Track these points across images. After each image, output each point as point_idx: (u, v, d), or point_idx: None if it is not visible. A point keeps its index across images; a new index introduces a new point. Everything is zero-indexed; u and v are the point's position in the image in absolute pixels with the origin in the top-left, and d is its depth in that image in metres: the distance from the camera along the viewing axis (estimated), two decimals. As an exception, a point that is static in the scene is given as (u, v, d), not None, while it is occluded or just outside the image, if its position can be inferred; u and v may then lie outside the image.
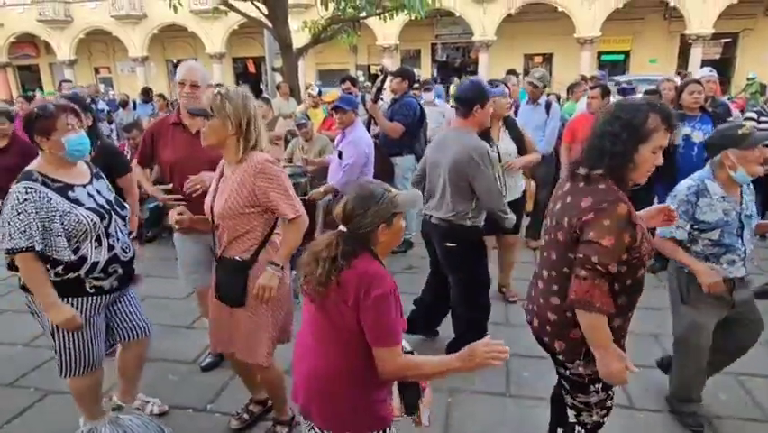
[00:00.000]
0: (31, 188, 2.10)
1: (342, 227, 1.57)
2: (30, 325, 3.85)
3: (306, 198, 3.91)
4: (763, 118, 4.78)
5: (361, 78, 18.35)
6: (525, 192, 3.80)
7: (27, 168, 2.23)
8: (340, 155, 4.10)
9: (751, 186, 2.50)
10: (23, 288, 2.25)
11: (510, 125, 3.44)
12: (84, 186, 2.28)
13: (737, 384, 2.95)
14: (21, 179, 2.14)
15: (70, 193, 2.19)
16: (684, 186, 2.46)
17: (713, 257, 2.43)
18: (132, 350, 2.62)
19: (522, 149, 3.42)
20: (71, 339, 2.26)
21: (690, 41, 21.05)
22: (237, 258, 2.21)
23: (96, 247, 2.23)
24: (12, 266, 2.26)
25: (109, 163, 3.04)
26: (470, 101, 2.92)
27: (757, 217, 2.51)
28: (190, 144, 2.81)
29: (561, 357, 1.87)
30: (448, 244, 3.02)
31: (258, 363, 2.32)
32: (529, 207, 5.21)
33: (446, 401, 2.83)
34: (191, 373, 3.18)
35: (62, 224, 2.12)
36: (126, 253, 2.37)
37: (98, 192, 2.33)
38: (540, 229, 5.37)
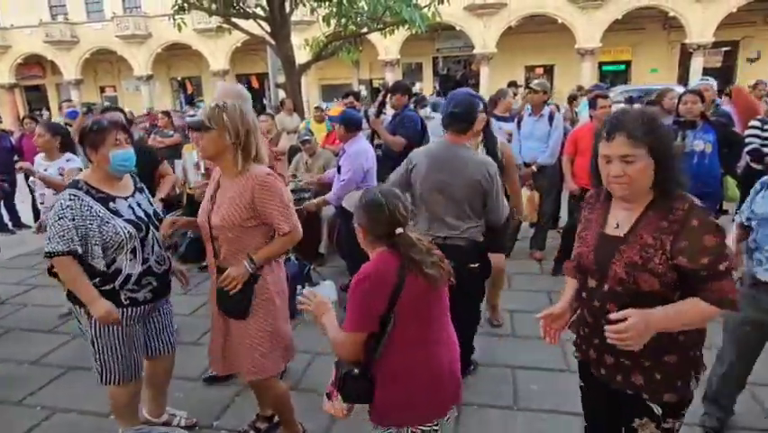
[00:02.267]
0: (74, 195, 2.20)
1: (399, 230, 1.72)
2: (37, 343, 3.91)
3: (301, 207, 3.83)
4: (767, 126, 4.75)
5: (364, 93, 18.48)
6: (512, 211, 3.48)
7: (75, 177, 2.36)
8: (339, 169, 4.06)
9: None
10: (69, 297, 2.32)
11: (488, 140, 3.25)
12: (125, 198, 2.36)
13: (749, 395, 2.89)
14: (68, 186, 2.27)
15: (111, 204, 2.28)
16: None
17: (749, 252, 2.44)
18: (161, 364, 2.66)
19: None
20: (110, 347, 2.32)
21: (691, 51, 21.14)
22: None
23: (130, 259, 2.29)
24: (51, 272, 2.35)
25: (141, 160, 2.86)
26: (471, 116, 2.78)
27: None
28: None
29: None
30: (472, 266, 2.76)
31: (265, 376, 2.32)
32: (534, 218, 5.20)
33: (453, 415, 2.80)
34: (197, 390, 3.18)
35: (100, 232, 2.21)
36: (161, 265, 2.42)
37: (139, 205, 2.40)
38: (545, 240, 5.36)
